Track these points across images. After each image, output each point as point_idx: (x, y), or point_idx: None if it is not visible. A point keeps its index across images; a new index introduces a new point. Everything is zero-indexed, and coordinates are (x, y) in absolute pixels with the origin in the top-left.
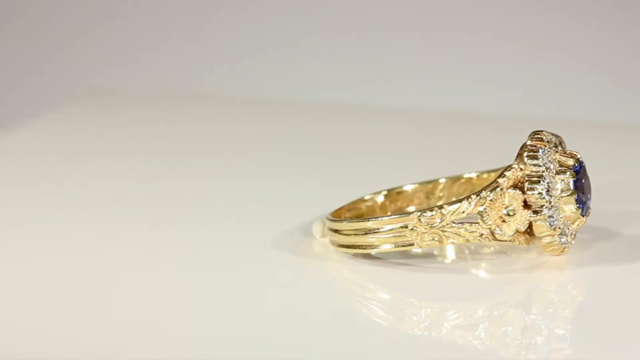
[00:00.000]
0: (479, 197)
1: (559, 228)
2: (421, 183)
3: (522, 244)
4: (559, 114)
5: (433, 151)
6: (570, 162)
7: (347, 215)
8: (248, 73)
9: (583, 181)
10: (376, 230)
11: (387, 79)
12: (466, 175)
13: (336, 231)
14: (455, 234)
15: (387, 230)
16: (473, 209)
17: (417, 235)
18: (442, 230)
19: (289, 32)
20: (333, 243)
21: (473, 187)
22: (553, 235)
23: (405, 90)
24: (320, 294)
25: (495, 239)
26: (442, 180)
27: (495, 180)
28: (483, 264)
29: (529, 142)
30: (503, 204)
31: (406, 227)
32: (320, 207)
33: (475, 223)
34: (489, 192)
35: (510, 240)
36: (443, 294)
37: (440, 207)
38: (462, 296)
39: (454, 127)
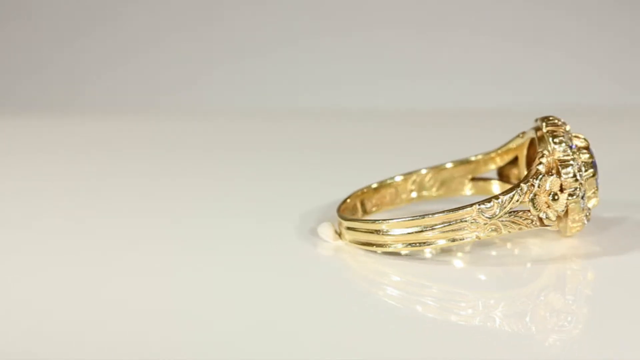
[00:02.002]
0: (528, 185)
1: (585, 208)
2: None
3: (555, 227)
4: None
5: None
6: (584, 143)
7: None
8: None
9: (595, 161)
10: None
11: (365, 84)
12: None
13: (377, 231)
14: (511, 222)
15: (443, 226)
16: (525, 197)
17: (478, 228)
18: (500, 221)
19: (274, 41)
20: (357, 242)
21: (451, 175)
22: (581, 216)
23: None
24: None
25: (543, 224)
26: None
27: (536, 168)
28: (498, 257)
29: (547, 128)
30: (545, 190)
31: (466, 220)
32: (314, 204)
33: (526, 211)
34: (535, 180)
35: (551, 225)
36: (483, 285)
37: (496, 197)
38: (500, 285)
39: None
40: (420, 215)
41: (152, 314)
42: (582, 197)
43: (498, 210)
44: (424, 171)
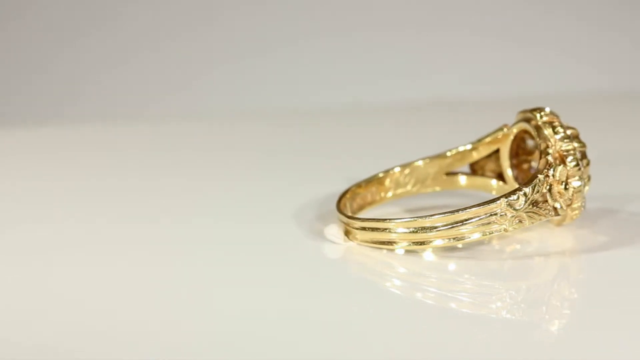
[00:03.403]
0: (544, 176)
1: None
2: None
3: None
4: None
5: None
6: (575, 132)
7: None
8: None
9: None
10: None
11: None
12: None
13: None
14: (534, 213)
15: (475, 221)
16: (543, 187)
17: (506, 220)
18: (525, 212)
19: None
20: (375, 241)
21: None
22: (582, 203)
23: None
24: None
25: (557, 214)
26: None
27: (546, 159)
28: (502, 251)
29: (544, 119)
30: (556, 180)
31: (495, 214)
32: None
33: (544, 202)
34: (549, 170)
35: (561, 214)
36: (506, 277)
37: (519, 189)
38: (512, 277)
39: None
40: (450, 211)
41: (155, 316)
42: (583, 185)
43: (523, 202)
44: (404, 166)
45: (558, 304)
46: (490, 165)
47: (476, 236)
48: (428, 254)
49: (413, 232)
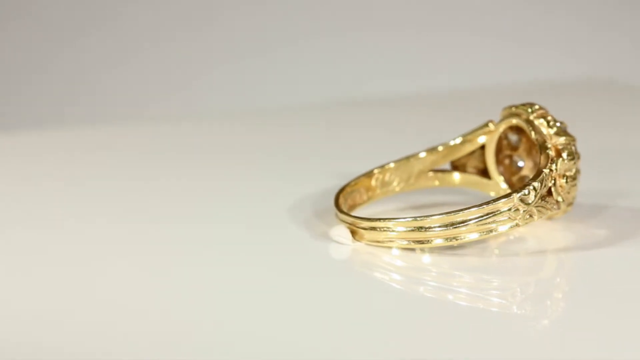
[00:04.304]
0: (550, 171)
1: None
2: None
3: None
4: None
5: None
6: (565, 125)
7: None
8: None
9: None
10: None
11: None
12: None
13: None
14: (542, 207)
15: (477, 218)
16: (548, 181)
17: (519, 215)
18: (534, 207)
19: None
20: (384, 241)
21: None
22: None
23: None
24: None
25: (559, 207)
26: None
27: (547, 153)
28: (501, 248)
29: (536, 113)
30: (558, 174)
31: (508, 209)
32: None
33: (549, 196)
34: (552, 165)
35: (561, 208)
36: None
37: (528, 184)
38: (514, 273)
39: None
40: (459, 210)
41: (155, 316)
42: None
43: (534, 197)
44: (389, 166)
45: (560, 296)
46: (473, 162)
47: (484, 234)
48: (430, 253)
49: (424, 230)
